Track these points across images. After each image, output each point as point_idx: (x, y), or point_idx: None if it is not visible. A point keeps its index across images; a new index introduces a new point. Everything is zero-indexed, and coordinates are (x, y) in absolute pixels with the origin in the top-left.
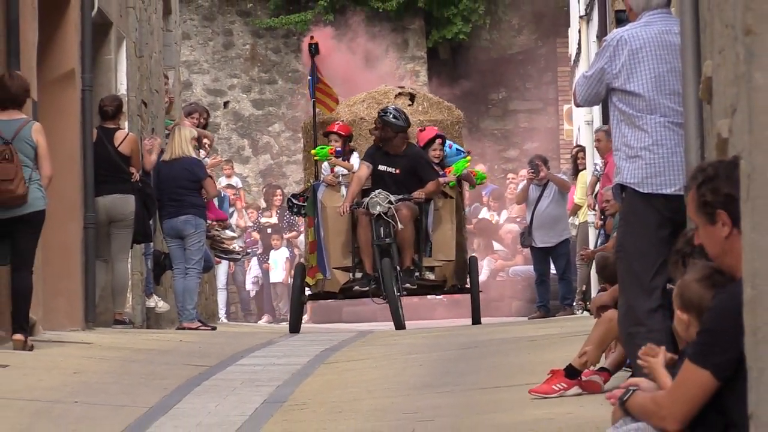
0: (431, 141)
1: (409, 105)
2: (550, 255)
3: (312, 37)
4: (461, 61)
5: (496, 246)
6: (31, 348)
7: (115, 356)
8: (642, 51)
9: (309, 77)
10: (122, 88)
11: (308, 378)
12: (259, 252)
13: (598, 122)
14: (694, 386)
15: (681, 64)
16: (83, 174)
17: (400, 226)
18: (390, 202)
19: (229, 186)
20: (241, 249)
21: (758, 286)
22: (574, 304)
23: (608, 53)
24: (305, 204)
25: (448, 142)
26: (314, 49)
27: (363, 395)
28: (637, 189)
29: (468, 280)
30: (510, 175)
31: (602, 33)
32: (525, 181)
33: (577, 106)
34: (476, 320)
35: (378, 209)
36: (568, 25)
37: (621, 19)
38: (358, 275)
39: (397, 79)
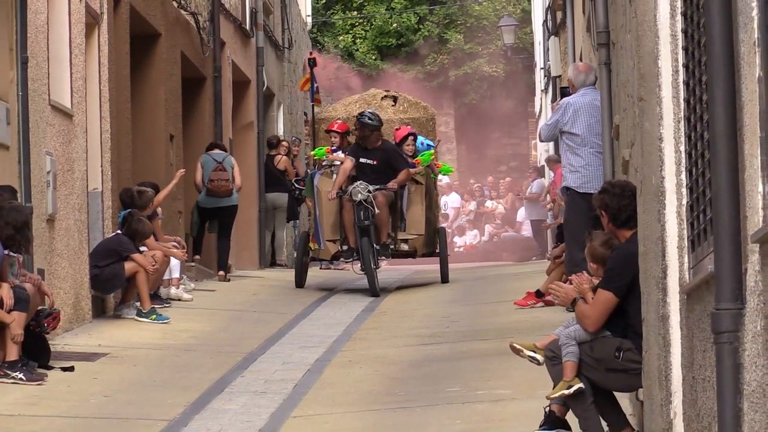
0: (405, 138)
1: (392, 105)
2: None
3: (311, 53)
4: (474, 115)
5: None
6: (228, 280)
7: (277, 284)
8: (581, 110)
9: (313, 84)
10: (280, 132)
11: (387, 296)
12: None
13: (552, 151)
14: (603, 302)
15: (602, 118)
16: (258, 182)
17: (377, 210)
18: (369, 191)
19: None
20: None
21: (646, 245)
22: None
23: (561, 111)
24: (304, 188)
25: (419, 138)
26: (312, 63)
27: (418, 306)
28: (576, 190)
29: (438, 247)
30: (501, 181)
31: (554, 100)
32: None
33: (541, 141)
34: (444, 279)
35: (359, 197)
36: (534, 95)
37: (564, 93)
38: (344, 248)
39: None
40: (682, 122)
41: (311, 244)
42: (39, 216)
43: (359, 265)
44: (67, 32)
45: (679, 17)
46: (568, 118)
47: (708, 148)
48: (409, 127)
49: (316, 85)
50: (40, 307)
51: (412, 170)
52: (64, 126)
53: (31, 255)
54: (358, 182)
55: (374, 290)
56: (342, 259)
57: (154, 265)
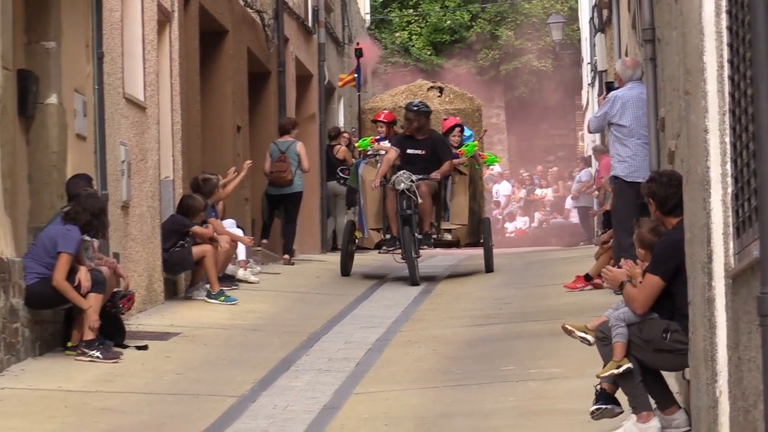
0: (452, 128)
1: (439, 96)
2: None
3: (358, 43)
4: (524, 108)
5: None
6: (293, 264)
7: (338, 268)
8: (628, 103)
9: (355, 74)
10: (340, 124)
11: (442, 281)
12: None
13: (598, 141)
14: (650, 286)
15: (647, 110)
16: (320, 171)
17: (419, 200)
18: (412, 181)
19: None
20: None
21: (692, 232)
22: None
23: (610, 103)
24: (349, 177)
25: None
26: (359, 53)
27: (472, 290)
28: (624, 179)
29: (482, 237)
30: (549, 170)
31: (600, 93)
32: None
33: (590, 132)
34: (489, 268)
35: (402, 186)
36: (581, 88)
37: (610, 87)
38: (387, 236)
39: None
40: (727, 115)
41: (357, 233)
42: (114, 203)
43: (401, 253)
44: (140, 29)
45: (723, 15)
46: (616, 110)
47: (753, 140)
48: (456, 118)
49: (358, 74)
50: (115, 289)
51: (455, 161)
52: (137, 118)
53: (107, 240)
54: (402, 171)
55: (414, 279)
56: (384, 247)
57: (215, 243)
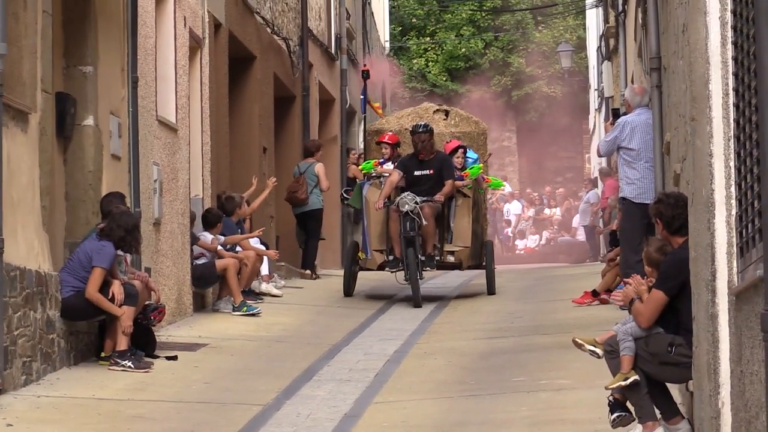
0: (454, 150)
1: (444, 119)
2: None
3: (365, 65)
4: (534, 131)
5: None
6: (315, 278)
7: (360, 282)
8: (637, 128)
9: (362, 96)
10: (360, 146)
11: (455, 296)
12: None
13: (604, 164)
14: (655, 301)
15: (653, 135)
16: (341, 189)
17: (424, 222)
18: (416, 203)
19: None
20: None
21: (697, 251)
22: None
23: (620, 128)
24: (350, 197)
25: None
26: (366, 75)
27: (484, 304)
28: (632, 200)
29: (484, 260)
30: (557, 191)
31: (607, 119)
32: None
33: (600, 156)
34: (491, 291)
35: (406, 208)
36: (589, 113)
37: (617, 114)
38: (391, 258)
39: (500, 142)
40: (732, 140)
41: (360, 254)
42: (146, 220)
43: (403, 275)
44: (173, 55)
45: (729, 45)
46: (625, 134)
47: (757, 165)
48: (458, 140)
49: (364, 96)
50: (147, 302)
51: (458, 183)
52: (169, 139)
53: (139, 255)
54: (406, 193)
55: (417, 301)
56: (387, 268)
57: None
